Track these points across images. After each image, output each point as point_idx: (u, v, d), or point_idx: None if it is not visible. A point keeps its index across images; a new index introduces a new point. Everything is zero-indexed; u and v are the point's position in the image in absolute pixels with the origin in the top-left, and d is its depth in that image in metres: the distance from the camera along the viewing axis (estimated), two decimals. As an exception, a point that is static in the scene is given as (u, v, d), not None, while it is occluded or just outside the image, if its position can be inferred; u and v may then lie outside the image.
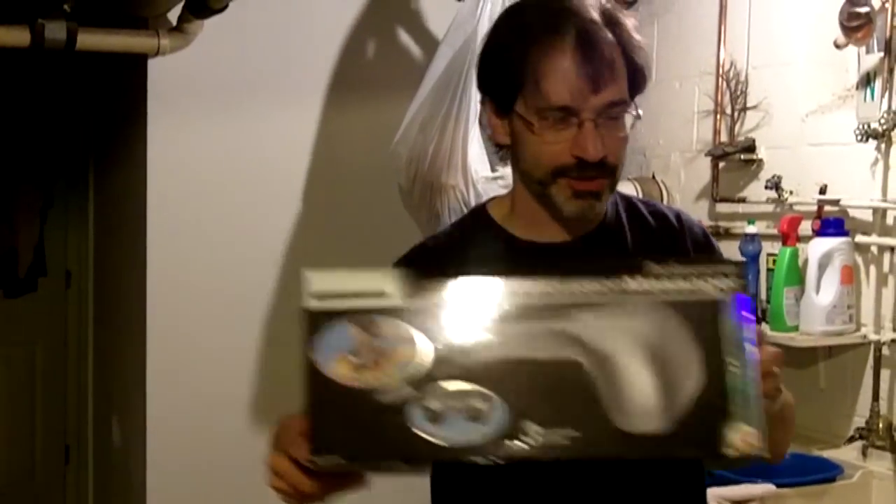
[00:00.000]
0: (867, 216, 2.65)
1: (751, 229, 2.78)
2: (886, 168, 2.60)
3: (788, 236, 2.69)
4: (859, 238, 2.64)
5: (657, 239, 1.46)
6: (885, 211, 2.61)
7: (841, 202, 2.67)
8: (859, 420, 2.62)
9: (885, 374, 2.60)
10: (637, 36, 1.39)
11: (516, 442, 0.98)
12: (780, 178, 2.78)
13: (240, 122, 2.91)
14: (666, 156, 3.23)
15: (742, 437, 1.01)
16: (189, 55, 2.84)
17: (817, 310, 2.62)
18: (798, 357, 2.69)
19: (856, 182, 2.64)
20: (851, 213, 2.68)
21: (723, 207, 3.03)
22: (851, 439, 2.62)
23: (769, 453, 1.05)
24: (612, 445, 0.98)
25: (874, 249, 2.64)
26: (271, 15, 2.97)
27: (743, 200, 2.96)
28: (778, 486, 2.43)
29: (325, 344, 0.97)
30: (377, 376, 0.97)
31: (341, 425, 0.99)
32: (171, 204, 2.90)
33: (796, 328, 2.67)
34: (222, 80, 2.90)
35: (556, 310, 0.98)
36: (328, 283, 0.98)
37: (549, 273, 1.05)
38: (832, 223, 2.64)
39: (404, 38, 3.08)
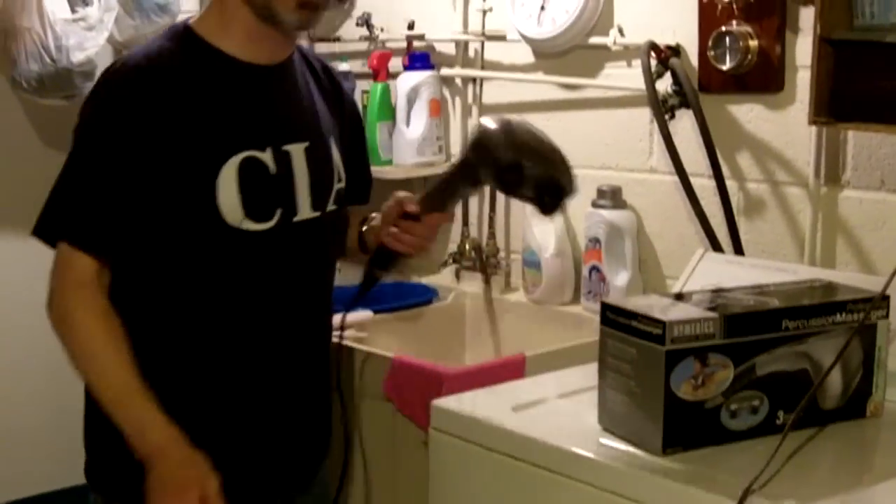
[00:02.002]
0: (451, 49, 2.76)
1: (343, 67, 2.79)
2: (466, 2, 2.69)
3: (379, 72, 2.75)
4: (445, 71, 2.74)
5: (325, 85, 1.77)
6: (466, 43, 2.72)
7: (426, 37, 2.75)
8: (452, 246, 2.76)
9: (472, 199, 2.75)
10: None
11: (775, 423, 1.51)
12: (369, 14, 2.82)
13: None
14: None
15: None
16: None
17: (408, 142, 2.71)
18: (394, 189, 2.76)
19: (439, 16, 2.73)
20: (437, 47, 2.77)
21: (322, 48, 3.00)
22: (446, 264, 2.76)
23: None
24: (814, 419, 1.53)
25: (458, 82, 2.76)
26: None
27: (338, 39, 2.97)
28: (377, 311, 2.53)
29: (677, 373, 1.45)
30: (706, 392, 1.46)
31: (682, 426, 1.46)
32: None
33: (390, 161, 2.76)
34: None
35: (798, 337, 1.52)
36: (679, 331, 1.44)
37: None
38: (419, 57, 2.72)
39: None
